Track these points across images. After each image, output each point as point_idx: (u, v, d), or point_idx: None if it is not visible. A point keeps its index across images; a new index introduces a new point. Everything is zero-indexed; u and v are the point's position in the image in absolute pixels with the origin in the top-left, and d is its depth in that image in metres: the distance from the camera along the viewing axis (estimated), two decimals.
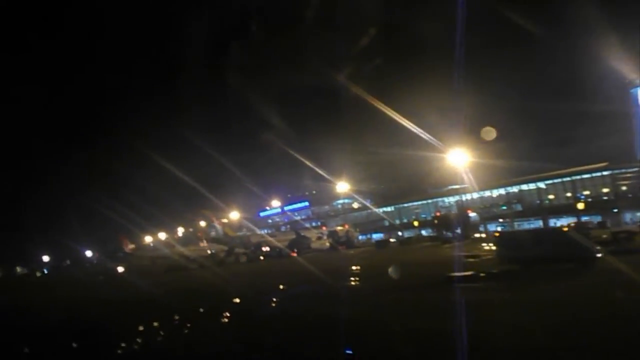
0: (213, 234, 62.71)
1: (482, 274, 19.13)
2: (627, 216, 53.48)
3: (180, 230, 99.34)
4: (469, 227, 53.33)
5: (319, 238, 68.25)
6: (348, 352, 8.41)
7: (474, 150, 52.26)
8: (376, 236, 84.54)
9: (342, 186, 78.09)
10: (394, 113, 42.69)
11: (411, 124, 44.22)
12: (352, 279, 24.44)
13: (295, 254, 59.68)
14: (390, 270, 22.25)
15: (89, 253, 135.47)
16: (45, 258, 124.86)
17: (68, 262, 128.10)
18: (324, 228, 75.69)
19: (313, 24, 47.19)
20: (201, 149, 63.37)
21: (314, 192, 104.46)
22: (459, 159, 52.01)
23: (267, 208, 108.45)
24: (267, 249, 63.92)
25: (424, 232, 77.07)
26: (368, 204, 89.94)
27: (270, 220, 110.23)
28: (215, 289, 28.56)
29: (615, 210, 54.06)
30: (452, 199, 76.97)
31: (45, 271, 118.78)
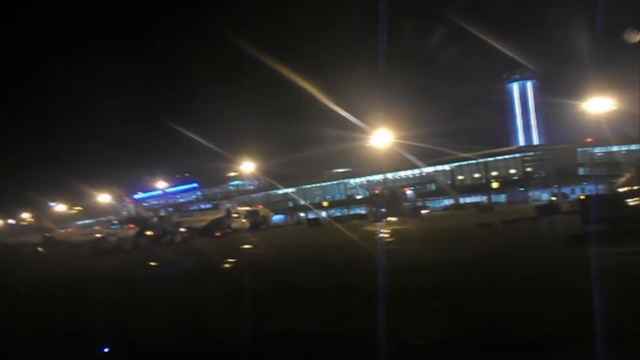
0: (125, 213, 54.21)
1: None
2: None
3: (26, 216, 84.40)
4: (402, 204, 54.91)
5: (237, 218, 63.93)
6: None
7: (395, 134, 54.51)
8: (277, 217, 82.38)
9: (243, 166, 74.17)
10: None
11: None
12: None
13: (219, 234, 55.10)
14: None
15: None
16: None
17: None
18: (239, 208, 71.26)
19: None
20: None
21: (186, 174, 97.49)
22: (381, 141, 53.59)
23: (140, 191, 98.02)
24: (183, 229, 57.49)
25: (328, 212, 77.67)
26: (272, 185, 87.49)
27: (145, 204, 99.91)
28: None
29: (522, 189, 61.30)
30: (358, 180, 79.17)
31: None
